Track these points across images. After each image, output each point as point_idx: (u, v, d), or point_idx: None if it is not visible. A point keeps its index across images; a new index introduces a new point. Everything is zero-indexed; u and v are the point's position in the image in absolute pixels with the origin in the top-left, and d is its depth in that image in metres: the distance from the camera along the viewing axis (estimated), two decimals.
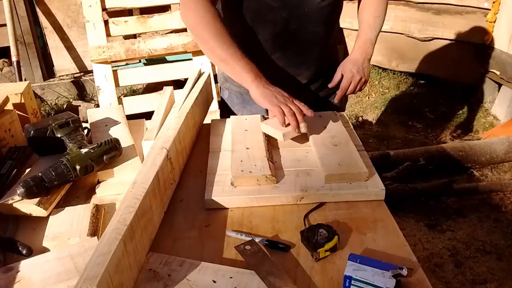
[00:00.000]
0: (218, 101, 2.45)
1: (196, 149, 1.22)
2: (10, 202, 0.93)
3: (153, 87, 3.46)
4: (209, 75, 1.43)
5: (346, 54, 3.89)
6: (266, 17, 1.27)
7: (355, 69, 1.31)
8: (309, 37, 1.32)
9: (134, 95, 3.53)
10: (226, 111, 1.52)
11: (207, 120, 1.37)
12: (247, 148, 1.11)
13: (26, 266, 0.80)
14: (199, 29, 1.21)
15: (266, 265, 0.78)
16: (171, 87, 1.35)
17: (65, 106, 3.58)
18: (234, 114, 1.48)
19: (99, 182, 1.07)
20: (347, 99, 1.61)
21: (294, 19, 1.26)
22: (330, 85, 1.34)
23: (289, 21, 1.27)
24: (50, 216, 0.94)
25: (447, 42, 3.39)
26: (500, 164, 2.69)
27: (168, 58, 3.09)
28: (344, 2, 1.36)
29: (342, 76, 1.32)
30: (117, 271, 0.70)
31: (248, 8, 1.27)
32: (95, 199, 1.03)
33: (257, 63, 1.24)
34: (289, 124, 1.10)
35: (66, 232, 0.89)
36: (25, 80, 3.40)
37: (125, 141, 1.17)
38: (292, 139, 1.17)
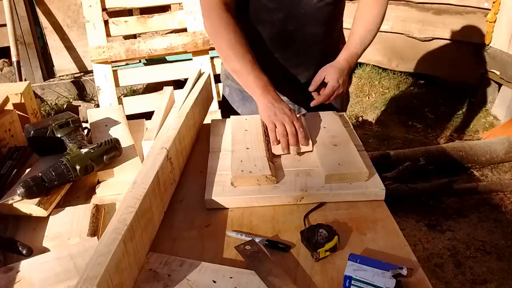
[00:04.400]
0: (218, 101, 2.46)
1: (196, 149, 1.22)
2: (10, 202, 0.93)
3: (153, 87, 3.45)
4: (209, 75, 1.43)
5: None
6: (263, 18, 1.27)
7: (341, 80, 1.25)
8: (308, 37, 1.31)
9: (134, 95, 3.53)
10: (226, 108, 1.53)
11: (207, 120, 1.37)
12: (247, 148, 1.11)
13: (26, 266, 0.80)
14: (214, 39, 1.24)
15: (266, 265, 0.78)
16: (171, 87, 1.35)
17: (65, 106, 3.58)
18: (234, 110, 1.49)
19: (99, 182, 1.07)
20: (348, 100, 1.61)
21: (291, 20, 1.26)
22: (310, 88, 1.27)
23: (286, 22, 1.27)
24: (50, 216, 0.94)
25: (447, 42, 3.39)
26: (500, 164, 2.69)
27: (168, 58, 3.09)
28: (346, 2, 1.36)
29: (324, 82, 1.26)
30: (117, 271, 0.70)
31: (246, 9, 1.28)
32: (95, 199, 1.03)
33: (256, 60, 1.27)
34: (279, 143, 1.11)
35: (66, 232, 0.89)
36: (25, 80, 3.40)
37: (125, 141, 1.17)
38: None
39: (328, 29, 1.33)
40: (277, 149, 1.12)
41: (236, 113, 1.47)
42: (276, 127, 1.11)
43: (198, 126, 1.31)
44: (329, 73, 1.25)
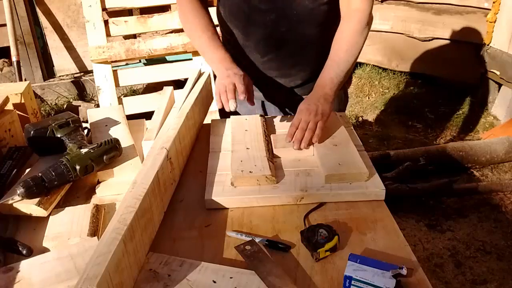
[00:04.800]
0: None
1: (196, 149, 1.22)
2: (10, 202, 0.93)
3: (153, 87, 3.45)
4: (209, 75, 1.43)
5: None
6: (256, 19, 1.27)
7: (304, 105, 1.15)
8: (301, 38, 1.30)
9: (134, 95, 3.53)
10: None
11: (207, 120, 1.37)
12: (247, 148, 1.11)
13: (26, 266, 0.80)
14: (183, 24, 1.35)
15: (266, 265, 0.78)
16: (171, 87, 1.35)
17: (65, 106, 3.58)
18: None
19: (99, 182, 1.07)
20: (347, 101, 1.60)
21: (283, 21, 1.26)
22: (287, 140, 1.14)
23: (278, 23, 1.26)
24: (50, 216, 0.94)
25: (447, 42, 3.39)
26: (500, 164, 2.69)
27: (168, 58, 3.09)
28: None
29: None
30: (117, 271, 0.70)
31: (239, 10, 1.28)
32: (95, 199, 1.03)
33: (251, 64, 1.33)
34: None
35: (66, 232, 0.89)
36: (25, 80, 3.40)
37: (125, 141, 1.17)
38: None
39: (324, 30, 1.30)
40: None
41: (233, 112, 1.47)
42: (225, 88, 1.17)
43: (198, 126, 1.31)
44: (298, 108, 1.18)
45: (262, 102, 1.47)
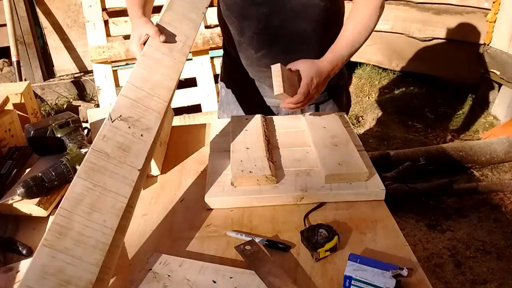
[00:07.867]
0: (218, 102, 2.45)
1: (196, 149, 1.22)
2: (10, 202, 0.93)
3: None
4: None
5: None
6: (249, 13, 1.26)
7: (316, 80, 1.13)
8: (295, 35, 1.27)
9: None
10: (222, 108, 1.55)
11: (207, 120, 1.37)
12: (247, 148, 1.11)
13: (26, 266, 0.79)
14: None
15: (266, 265, 0.78)
16: None
17: (65, 106, 3.58)
18: (230, 111, 1.50)
19: None
20: (349, 105, 1.57)
21: (276, 15, 1.24)
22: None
23: (271, 17, 1.24)
24: (50, 216, 0.94)
25: (447, 42, 3.39)
26: (500, 164, 2.69)
27: None
28: (345, 2, 1.35)
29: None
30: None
31: (234, 4, 1.28)
32: None
33: (246, 61, 1.34)
34: None
35: None
36: (25, 80, 3.40)
37: None
38: (291, 139, 1.18)
39: (320, 28, 1.27)
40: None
41: (232, 114, 1.47)
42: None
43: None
44: (305, 68, 1.14)
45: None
